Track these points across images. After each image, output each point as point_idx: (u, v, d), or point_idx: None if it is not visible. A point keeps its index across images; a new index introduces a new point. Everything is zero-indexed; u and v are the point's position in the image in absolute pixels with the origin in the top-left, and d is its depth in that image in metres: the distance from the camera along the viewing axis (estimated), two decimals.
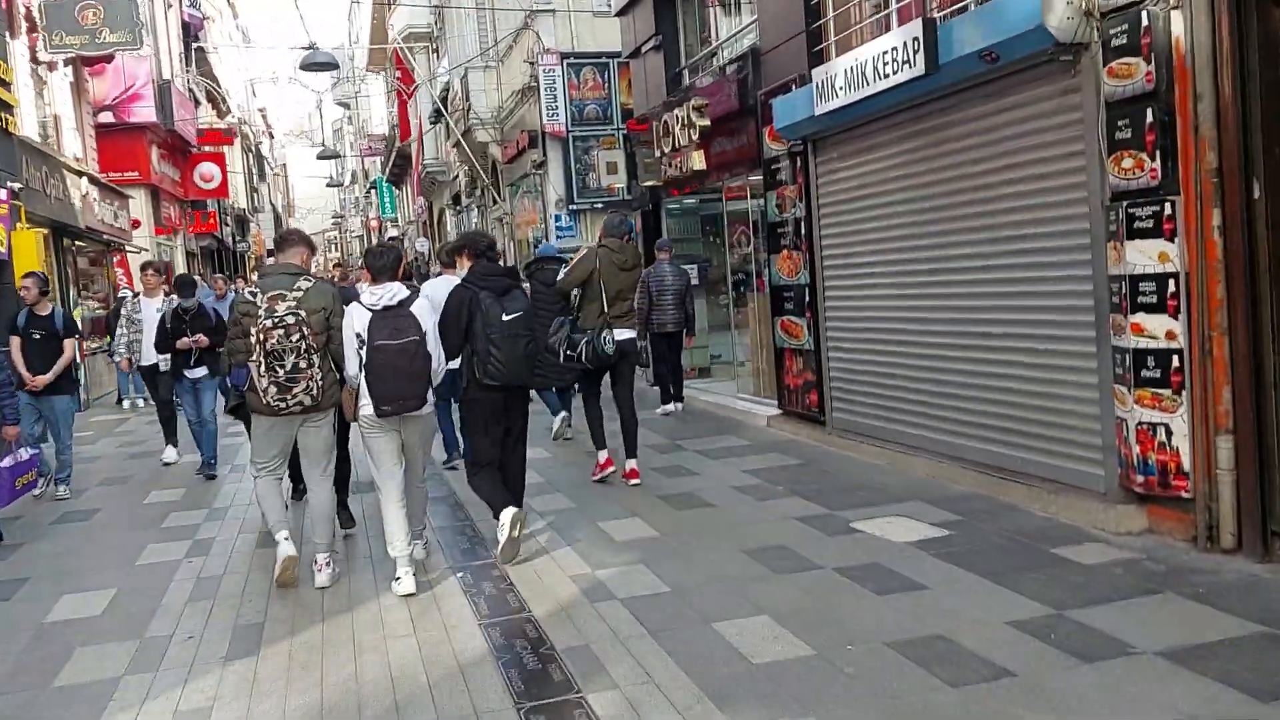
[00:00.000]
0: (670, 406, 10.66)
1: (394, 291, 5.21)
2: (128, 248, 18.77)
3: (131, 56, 21.10)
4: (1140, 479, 5.28)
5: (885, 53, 6.78)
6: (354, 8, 54.18)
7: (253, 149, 48.07)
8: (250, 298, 5.26)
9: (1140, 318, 5.17)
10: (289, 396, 5.09)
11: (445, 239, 34.03)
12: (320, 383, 5.15)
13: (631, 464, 7.35)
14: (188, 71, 26.47)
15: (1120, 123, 5.20)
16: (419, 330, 5.14)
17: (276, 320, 5.05)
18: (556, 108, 18.05)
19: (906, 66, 6.59)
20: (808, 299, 8.77)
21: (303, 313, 5.10)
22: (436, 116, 31.38)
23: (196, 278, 11.41)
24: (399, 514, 5.29)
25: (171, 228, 24.47)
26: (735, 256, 11.16)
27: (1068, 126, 5.74)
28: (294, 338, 5.05)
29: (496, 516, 5.63)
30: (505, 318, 5.49)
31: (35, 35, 14.07)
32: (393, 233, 53.03)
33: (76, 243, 15.60)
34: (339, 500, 6.21)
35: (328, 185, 54.52)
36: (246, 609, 5.18)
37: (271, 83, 26.80)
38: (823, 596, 4.80)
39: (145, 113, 21.33)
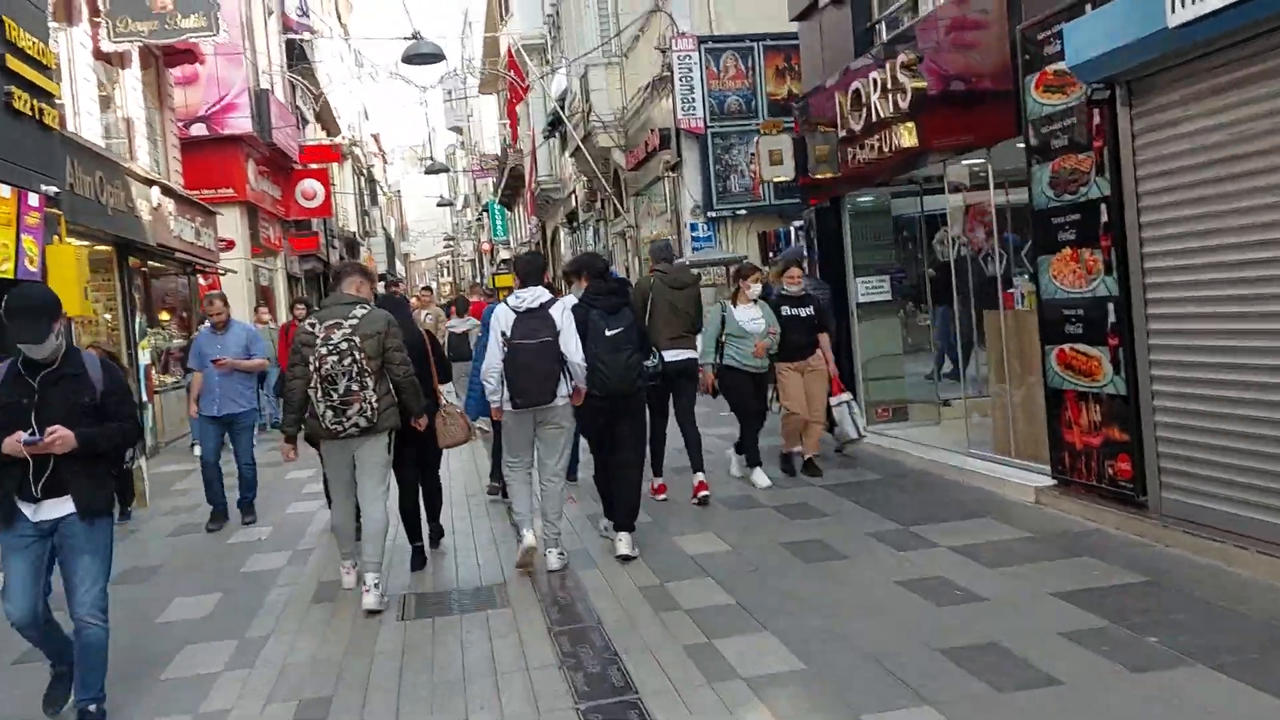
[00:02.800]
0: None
1: (537, 295, 5.66)
2: (218, 269, 16.91)
3: (225, 63, 19.56)
4: None
5: None
6: (467, 29, 53.11)
7: (364, 172, 47.16)
8: (310, 328, 5.31)
9: None
10: (344, 419, 5.21)
11: (561, 259, 32.05)
12: (375, 405, 5.25)
13: (699, 477, 7.29)
14: (289, 77, 24.77)
15: None
16: (553, 331, 5.57)
17: (331, 347, 5.19)
18: (693, 100, 15.53)
19: None
20: (1113, 319, 5.89)
21: (356, 339, 5.23)
22: (551, 130, 29.34)
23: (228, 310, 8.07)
24: (525, 496, 5.93)
25: (270, 249, 22.78)
26: (946, 256, 8.32)
27: None
28: (346, 362, 5.18)
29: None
30: (609, 333, 5.82)
31: (98, 23, 12.18)
32: (505, 255, 51.59)
33: (150, 263, 13.68)
34: (432, 530, 6.51)
35: (438, 205, 53.44)
36: None
37: (371, 78, 24.55)
38: None
39: (240, 124, 19.64)
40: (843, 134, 9.23)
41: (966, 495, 6.98)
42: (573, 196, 29.51)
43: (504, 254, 52.09)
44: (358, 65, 27.31)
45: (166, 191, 13.74)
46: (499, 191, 45.65)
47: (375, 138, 57.51)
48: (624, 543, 5.88)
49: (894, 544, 5.87)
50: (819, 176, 10.02)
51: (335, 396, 5.13)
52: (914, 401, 9.89)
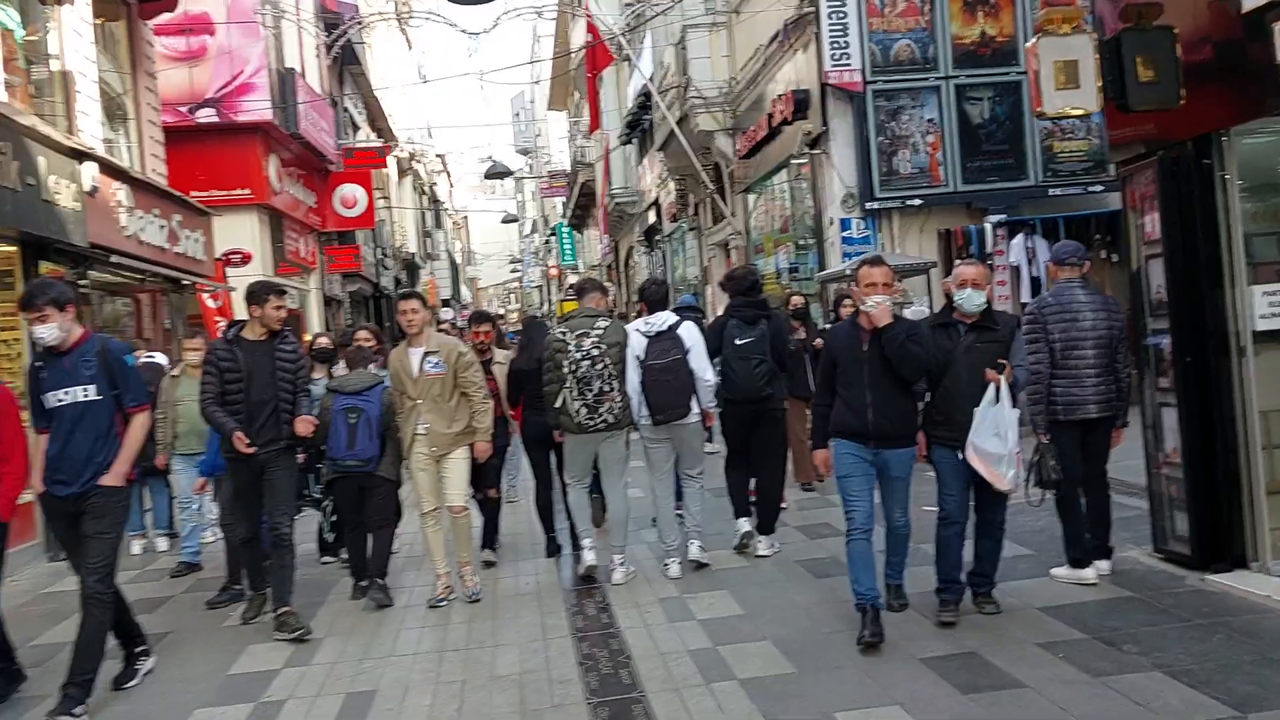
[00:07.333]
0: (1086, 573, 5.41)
1: (664, 318, 6.27)
2: (209, 286, 12.95)
3: (241, 35, 15.82)
4: None
5: None
6: (535, 44, 49.59)
7: (426, 190, 43.73)
8: (561, 336, 6.05)
9: None
10: (596, 416, 5.93)
11: (634, 282, 28.17)
12: (619, 405, 5.97)
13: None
14: (320, 40, 20.77)
15: None
16: (682, 350, 6.12)
17: (584, 353, 5.92)
18: (847, 45, 11.16)
19: None
20: None
21: (604, 345, 5.96)
22: (629, 132, 25.24)
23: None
24: (670, 512, 6.42)
25: (301, 266, 18.92)
26: None
27: None
28: (599, 367, 5.91)
29: (736, 518, 6.72)
30: (739, 341, 6.48)
31: None
32: (572, 279, 47.86)
33: (91, 273, 9.65)
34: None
35: (503, 221, 50.35)
36: None
37: (407, 16, 20.51)
38: None
39: (257, 107, 15.85)
40: (1249, 6, 4.81)
41: None
42: (652, 210, 25.38)
43: (571, 278, 48.40)
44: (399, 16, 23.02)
45: (114, 173, 9.79)
46: (569, 211, 41.95)
47: (441, 158, 54.19)
48: (764, 543, 6.57)
49: None
50: (1141, 108, 5.60)
51: (590, 396, 5.90)
52: None
